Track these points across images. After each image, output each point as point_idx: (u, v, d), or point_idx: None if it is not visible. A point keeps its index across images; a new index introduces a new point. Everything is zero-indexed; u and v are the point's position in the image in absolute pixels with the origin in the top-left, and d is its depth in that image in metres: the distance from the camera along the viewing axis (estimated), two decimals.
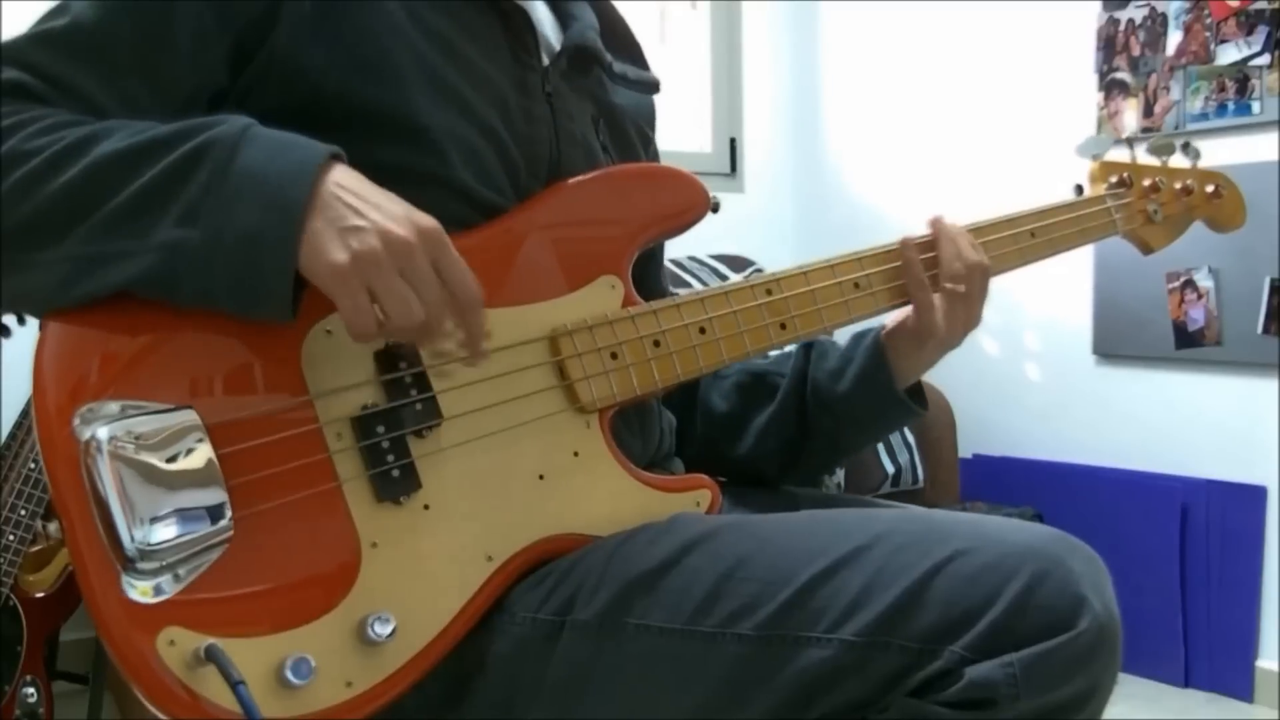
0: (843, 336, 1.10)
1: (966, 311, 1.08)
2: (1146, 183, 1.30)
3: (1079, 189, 1.28)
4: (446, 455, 0.85)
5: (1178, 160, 1.34)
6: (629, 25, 1.15)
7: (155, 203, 0.76)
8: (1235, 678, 2.52)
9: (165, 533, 0.73)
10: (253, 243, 0.75)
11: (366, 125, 0.89)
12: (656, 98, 1.18)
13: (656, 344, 0.96)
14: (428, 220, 0.79)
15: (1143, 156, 1.32)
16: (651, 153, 1.17)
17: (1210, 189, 1.34)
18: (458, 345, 0.82)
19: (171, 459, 0.74)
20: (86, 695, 2.05)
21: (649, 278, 1.06)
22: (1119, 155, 1.31)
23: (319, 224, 0.76)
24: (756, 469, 1.14)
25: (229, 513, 0.75)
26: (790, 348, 1.09)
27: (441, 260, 0.78)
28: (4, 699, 1.88)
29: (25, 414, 1.92)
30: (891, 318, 1.11)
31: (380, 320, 0.77)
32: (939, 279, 1.07)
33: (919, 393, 1.12)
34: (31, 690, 1.91)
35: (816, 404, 1.10)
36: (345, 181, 0.78)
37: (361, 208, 0.77)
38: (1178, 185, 1.32)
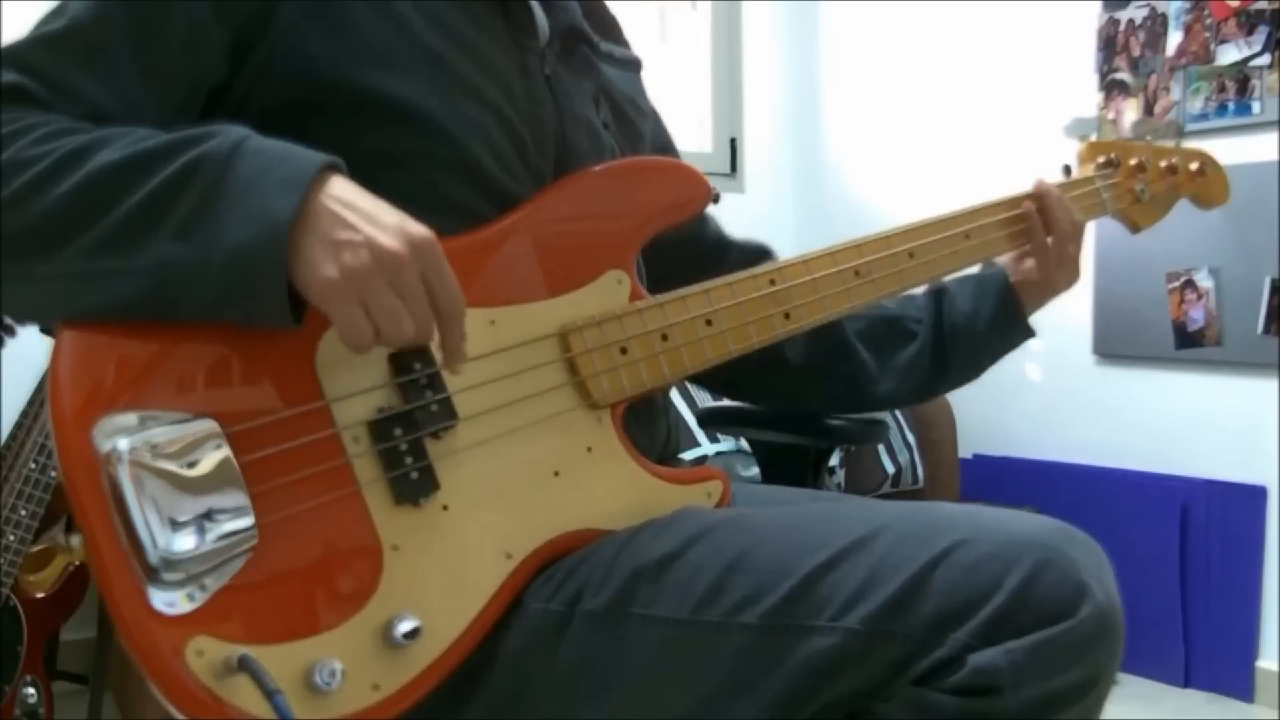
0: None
1: (1075, 265, 1.24)
2: (1133, 162, 1.33)
3: (1067, 169, 1.31)
4: (463, 456, 0.85)
5: (1163, 140, 1.38)
6: (606, 4, 1.16)
7: (148, 220, 0.76)
8: (1235, 678, 2.53)
9: (189, 542, 0.72)
10: (242, 258, 0.74)
11: (372, 113, 0.89)
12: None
13: (664, 338, 0.97)
14: (420, 230, 0.78)
15: (1151, 139, 1.36)
16: (649, 124, 1.18)
17: (1194, 166, 1.38)
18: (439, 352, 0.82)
19: (192, 468, 0.74)
20: (86, 695, 2.04)
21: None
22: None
23: (310, 238, 0.75)
24: (895, 399, 1.26)
25: (252, 520, 0.75)
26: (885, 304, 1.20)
27: (430, 272, 0.78)
28: (4, 699, 1.87)
29: (25, 414, 1.91)
30: (1011, 269, 1.23)
31: (375, 333, 0.77)
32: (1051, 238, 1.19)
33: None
34: (31, 690, 1.90)
35: (953, 343, 1.22)
36: (337, 193, 0.77)
37: (352, 219, 0.76)
38: (1163, 164, 1.36)
